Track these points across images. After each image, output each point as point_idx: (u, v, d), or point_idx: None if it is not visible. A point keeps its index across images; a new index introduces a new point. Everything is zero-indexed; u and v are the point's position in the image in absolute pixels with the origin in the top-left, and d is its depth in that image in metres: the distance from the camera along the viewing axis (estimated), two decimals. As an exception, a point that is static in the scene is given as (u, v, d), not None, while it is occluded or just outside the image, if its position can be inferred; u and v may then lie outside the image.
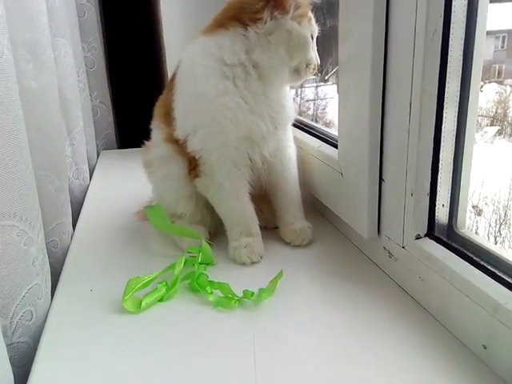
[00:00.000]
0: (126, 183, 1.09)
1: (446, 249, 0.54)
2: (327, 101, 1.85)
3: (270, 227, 0.78)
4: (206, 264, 0.68)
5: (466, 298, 0.48)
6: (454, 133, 0.55)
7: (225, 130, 0.66)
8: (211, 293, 0.60)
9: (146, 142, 0.82)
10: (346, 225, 0.71)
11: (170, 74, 1.37)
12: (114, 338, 0.55)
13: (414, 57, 0.52)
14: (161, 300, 0.60)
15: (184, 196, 0.75)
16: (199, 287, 0.61)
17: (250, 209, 0.72)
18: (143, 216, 0.81)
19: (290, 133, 0.77)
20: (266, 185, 0.76)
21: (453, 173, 0.56)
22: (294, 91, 1.50)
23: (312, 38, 0.68)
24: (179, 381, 0.48)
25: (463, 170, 0.55)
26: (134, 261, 0.72)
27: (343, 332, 0.53)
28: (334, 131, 0.83)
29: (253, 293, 0.59)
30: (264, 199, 0.78)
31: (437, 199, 0.56)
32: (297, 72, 0.69)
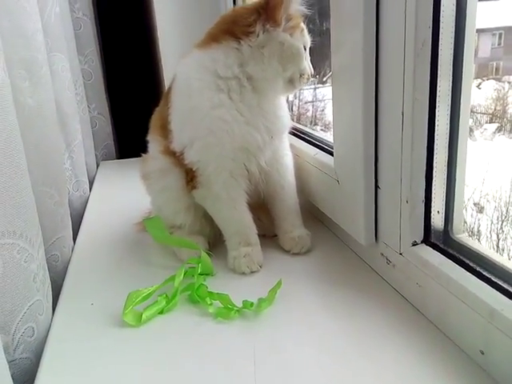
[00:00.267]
0: (125, 193, 1.09)
1: (442, 255, 0.54)
2: (326, 102, 1.86)
3: (269, 235, 0.79)
4: (206, 274, 0.69)
5: (462, 304, 0.48)
6: (447, 139, 0.55)
7: (221, 142, 0.66)
8: (211, 304, 0.60)
9: (143, 155, 0.82)
10: (344, 231, 0.72)
11: (166, 84, 1.38)
12: (116, 351, 0.55)
13: (405, 67, 0.53)
14: (161, 312, 0.60)
15: (182, 207, 0.75)
16: (199, 298, 0.62)
17: (248, 218, 0.72)
18: (143, 227, 0.82)
19: (287, 141, 0.78)
20: (263, 193, 0.76)
21: (447, 179, 0.56)
22: (292, 94, 1.51)
23: (305, 49, 0.69)
24: (180, 394, 0.48)
25: (457, 176, 0.56)
26: (133, 273, 0.72)
27: (342, 340, 0.54)
28: (331, 135, 0.83)
29: (252, 303, 0.59)
30: (262, 208, 0.78)
31: (432, 206, 0.56)
32: (291, 82, 0.69)
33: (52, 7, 1.00)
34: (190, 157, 0.69)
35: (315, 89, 1.81)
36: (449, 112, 0.54)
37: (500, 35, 1.36)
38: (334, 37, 0.65)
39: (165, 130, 0.72)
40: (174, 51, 1.29)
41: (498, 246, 1.47)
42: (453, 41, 0.52)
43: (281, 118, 0.72)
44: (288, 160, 0.77)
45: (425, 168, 0.56)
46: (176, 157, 0.70)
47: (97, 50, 1.40)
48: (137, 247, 0.81)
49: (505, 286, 0.46)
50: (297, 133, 0.93)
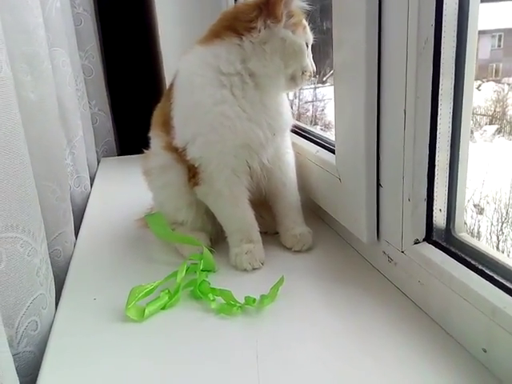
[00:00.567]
0: (126, 189, 1.09)
1: (444, 253, 0.55)
2: (326, 102, 1.86)
3: (271, 233, 0.79)
4: (208, 271, 0.69)
5: (464, 302, 0.49)
6: (449, 137, 0.55)
7: (223, 138, 0.67)
8: (213, 300, 0.61)
9: (145, 151, 0.82)
10: (346, 229, 0.72)
11: (167, 80, 1.38)
12: (118, 346, 0.55)
13: (407, 65, 0.53)
14: (163, 308, 0.61)
15: (184, 204, 0.75)
16: (201, 294, 0.62)
17: (249, 215, 0.72)
18: (144, 223, 0.82)
19: (288, 139, 0.78)
20: (265, 191, 0.76)
21: (449, 177, 0.56)
22: (292, 93, 1.51)
23: (307, 46, 0.69)
24: (183, 389, 0.48)
25: (459, 175, 0.56)
26: (136, 268, 0.72)
27: (344, 337, 0.54)
28: (331, 135, 0.84)
29: (254, 299, 0.59)
30: (264, 205, 0.79)
31: (434, 204, 0.57)
32: (293, 79, 0.69)
33: (53, 2, 1.00)
34: (192, 153, 0.69)
35: (315, 88, 1.82)
36: (451, 110, 0.54)
37: (500, 37, 1.37)
38: (336, 34, 0.66)
39: (167, 126, 0.72)
40: (174, 47, 1.29)
41: (497, 248, 1.48)
42: (455, 39, 0.52)
43: (283, 115, 0.72)
44: (290, 157, 0.77)
45: (427, 166, 0.56)
46: (178, 153, 0.71)
47: (97, 45, 1.39)
48: (138, 243, 0.81)
49: (507, 284, 0.46)
50: (298, 131, 0.93)
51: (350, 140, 0.67)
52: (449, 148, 0.55)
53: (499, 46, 1.38)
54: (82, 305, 0.64)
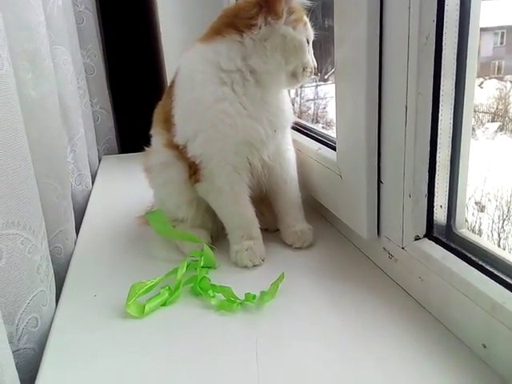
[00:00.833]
0: (127, 187, 1.09)
1: (444, 249, 0.54)
2: (327, 100, 1.85)
3: (271, 230, 0.79)
4: (208, 268, 0.69)
5: (465, 297, 0.49)
6: (450, 134, 0.55)
7: (224, 135, 0.67)
8: (213, 296, 0.61)
9: (146, 148, 0.82)
10: (347, 226, 0.72)
11: (168, 78, 1.38)
12: (119, 342, 0.55)
13: (409, 61, 0.53)
14: (164, 304, 0.61)
15: (185, 201, 0.75)
16: (201, 291, 0.62)
17: (250, 212, 0.72)
18: (145, 220, 0.82)
19: (289, 136, 0.78)
20: (266, 188, 0.76)
21: (450, 174, 0.56)
22: (294, 91, 1.50)
23: (308, 42, 0.69)
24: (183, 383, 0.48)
25: (460, 171, 0.56)
26: (136, 265, 0.73)
27: (344, 333, 0.54)
28: (333, 133, 0.84)
29: (255, 296, 0.59)
30: (265, 202, 0.79)
31: (435, 200, 0.57)
32: (294, 76, 0.69)
33: (55, 0, 1.00)
34: (193, 150, 0.69)
35: (317, 86, 1.81)
36: (452, 106, 0.54)
37: (502, 34, 1.36)
38: (338, 30, 0.65)
39: (168, 124, 0.72)
40: (176, 45, 1.29)
41: (499, 245, 1.48)
42: (457, 35, 0.52)
43: (284, 112, 0.72)
44: (290, 155, 0.77)
45: (428, 162, 0.56)
46: (179, 150, 0.71)
47: (99, 44, 1.39)
48: (139, 240, 0.81)
49: (507, 279, 0.46)
50: (299, 128, 0.93)
51: (351, 136, 0.67)
52: (450, 144, 0.55)
53: (502, 43, 1.37)
54: (83, 301, 0.64)
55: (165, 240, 0.78)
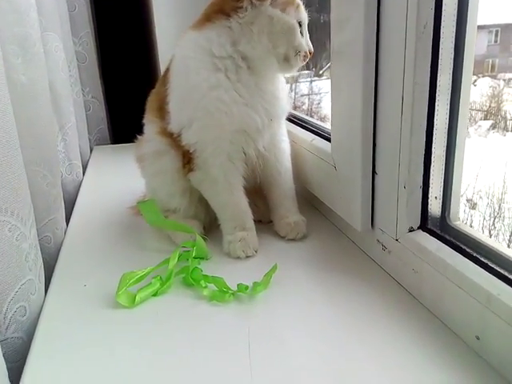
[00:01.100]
0: (119, 178, 1.08)
1: (439, 241, 0.54)
2: (322, 95, 1.85)
3: (265, 221, 0.78)
4: (201, 258, 0.68)
5: (459, 289, 0.48)
6: (446, 125, 0.55)
7: (219, 123, 0.66)
8: (205, 287, 0.60)
9: (138, 137, 0.81)
10: (340, 218, 0.72)
11: (162, 68, 1.36)
12: (108, 332, 0.54)
13: (406, 49, 0.52)
14: (155, 294, 0.60)
15: (178, 191, 0.74)
16: (193, 281, 0.61)
17: (244, 203, 0.72)
18: (137, 211, 0.81)
19: (284, 127, 0.77)
20: (260, 179, 0.76)
21: (445, 165, 0.56)
22: (288, 86, 1.49)
23: (301, 25, 0.67)
24: (174, 374, 0.48)
25: (456, 163, 0.55)
26: (127, 256, 0.72)
27: (337, 325, 0.54)
28: (327, 125, 0.83)
29: (247, 286, 0.59)
30: (258, 193, 0.78)
31: (429, 192, 0.56)
32: (286, 61, 0.67)
33: (46, -15, 0.98)
34: (188, 138, 0.68)
35: (311, 82, 1.80)
36: (449, 98, 0.54)
37: (497, 32, 1.36)
38: (335, 17, 0.64)
39: (162, 112, 0.71)
40: (169, 35, 1.27)
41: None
42: (455, 26, 0.51)
43: (280, 101, 0.71)
44: (285, 145, 0.77)
45: (423, 153, 0.55)
46: (173, 138, 0.69)
47: (92, 32, 1.37)
48: (131, 231, 0.80)
49: (502, 271, 0.46)
50: (294, 119, 0.92)
51: (346, 127, 0.66)
52: (446, 135, 0.55)
53: (496, 41, 1.37)
54: (72, 291, 0.63)
55: (157, 230, 0.77)
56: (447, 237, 0.54)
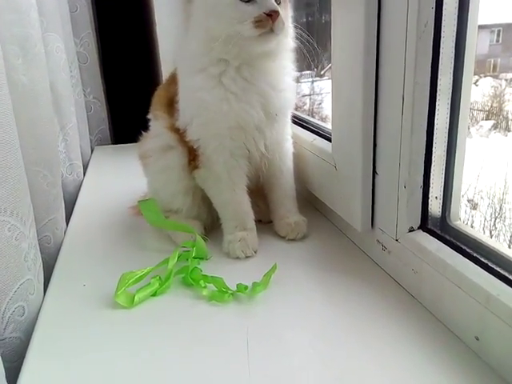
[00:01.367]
0: (120, 179, 1.08)
1: (439, 241, 0.54)
2: (323, 96, 1.85)
3: (265, 221, 0.78)
4: (200, 258, 0.68)
5: (458, 289, 0.48)
6: (447, 126, 0.54)
7: (214, 121, 0.66)
8: (205, 287, 0.60)
9: (143, 133, 0.81)
10: (340, 218, 0.71)
11: (163, 68, 1.36)
12: (107, 332, 0.54)
13: (406, 49, 0.52)
14: (154, 294, 0.60)
15: (181, 189, 0.74)
16: (193, 281, 0.61)
17: (246, 202, 0.71)
18: (138, 211, 0.81)
19: (289, 126, 0.76)
20: (263, 178, 0.75)
21: (446, 165, 0.56)
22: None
23: None
24: (173, 375, 0.47)
25: (456, 163, 0.55)
26: (127, 255, 0.72)
27: (336, 325, 0.53)
28: (328, 125, 0.83)
29: (246, 286, 0.59)
30: (260, 193, 0.78)
31: (430, 192, 0.56)
32: (251, 32, 0.61)
33: (47, -15, 0.98)
34: (191, 134, 0.68)
35: (313, 82, 1.80)
36: (450, 97, 0.53)
37: (498, 32, 1.36)
38: (335, 19, 0.64)
39: (171, 108, 0.71)
40: (171, 35, 1.27)
41: (491, 242, 1.48)
42: (455, 25, 0.51)
43: (279, 94, 0.68)
44: (289, 145, 0.76)
45: (424, 153, 0.55)
46: (180, 134, 0.70)
47: (93, 33, 1.37)
48: (131, 231, 0.80)
49: (502, 271, 0.46)
50: (295, 119, 0.92)
51: (346, 126, 0.66)
52: (447, 135, 0.55)
53: (498, 41, 1.37)
54: (71, 291, 0.63)
55: (157, 230, 0.77)
56: (447, 237, 0.54)
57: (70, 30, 1.24)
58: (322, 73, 1.57)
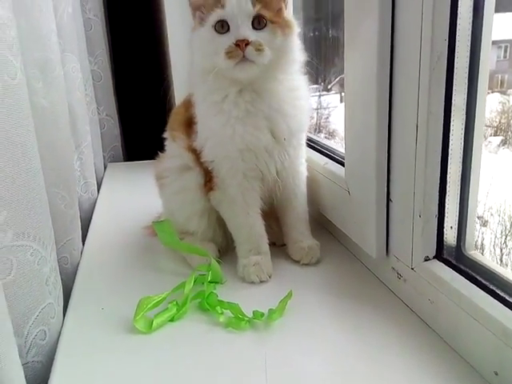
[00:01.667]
0: (133, 196, 1.10)
1: (454, 271, 0.54)
2: (330, 110, 1.85)
3: (279, 244, 0.79)
4: (216, 282, 0.69)
5: (474, 321, 0.48)
6: (461, 153, 0.55)
7: (224, 143, 0.67)
8: (222, 313, 0.60)
9: (160, 154, 0.82)
10: (355, 244, 0.72)
11: (176, 87, 1.38)
12: (126, 357, 0.55)
13: (420, 80, 0.53)
14: (172, 320, 0.61)
15: (197, 211, 0.75)
16: (209, 307, 0.62)
17: (260, 225, 0.72)
18: (152, 231, 0.82)
19: (303, 149, 0.77)
20: (276, 201, 0.76)
21: (460, 194, 0.56)
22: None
23: (224, 21, 0.62)
24: (191, 403, 0.48)
25: (470, 192, 0.56)
26: (143, 278, 0.72)
27: (353, 354, 0.54)
28: (335, 143, 0.83)
29: (263, 313, 0.59)
30: (273, 215, 0.78)
31: (445, 221, 0.57)
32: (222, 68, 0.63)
33: (65, 7, 1.01)
34: (206, 156, 0.70)
35: (320, 96, 1.81)
36: (463, 125, 0.54)
37: (506, 48, 1.37)
38: (347, 52, 0.66)
39: (189, 128, 0.72)
40: (183, 54, 1.29)
41: (501, 261, 1.48)
42: (468, 54, 0.52)
43: (287, 118, 0.68)
44: (303, 169, 0.77)
45: (438, 182, 0.56)
46: (197, 154, 0.71)
47: (106, 51, 1.40)
48: (146, 252, 0.81)
49: (518, 304, 0.46)
50: (306, 141, 0.93)
51: (360, 153, 0.67)
52: (461, 164, 0.55)
53: (505, 56, 1.38)
54: (90, 314, 0.64)
55: (172, 252, 0.77)
56: (462, 267, 0.54)
57: (84, 49, 1.26)
58: (329, 87, 1.58)
